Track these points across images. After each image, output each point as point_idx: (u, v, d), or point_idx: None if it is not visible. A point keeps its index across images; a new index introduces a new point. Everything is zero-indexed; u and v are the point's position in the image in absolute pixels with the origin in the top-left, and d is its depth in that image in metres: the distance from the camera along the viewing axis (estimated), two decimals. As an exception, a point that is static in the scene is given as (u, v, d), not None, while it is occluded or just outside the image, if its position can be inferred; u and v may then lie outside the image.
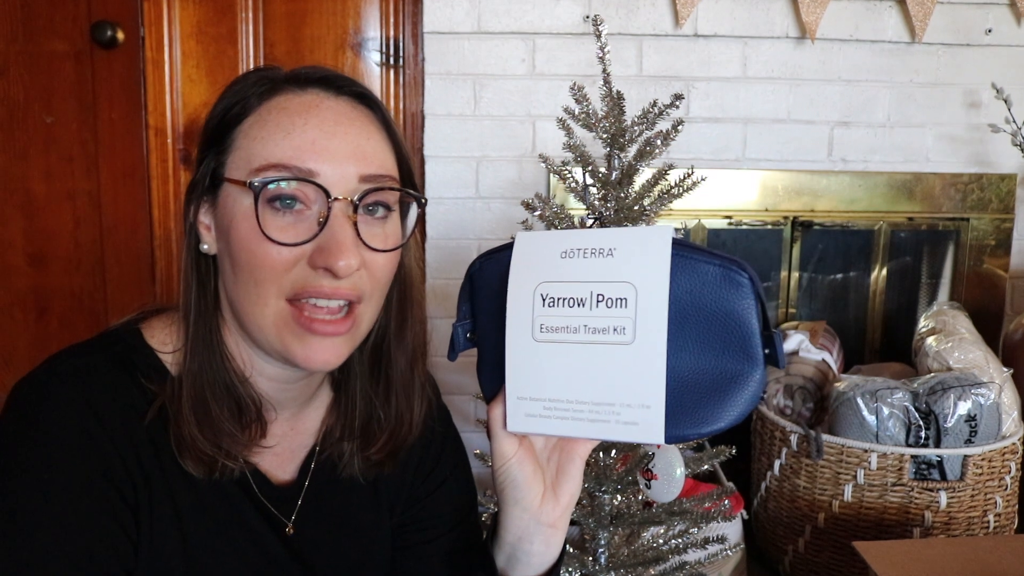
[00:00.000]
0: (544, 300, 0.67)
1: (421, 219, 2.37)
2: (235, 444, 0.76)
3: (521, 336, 0.68)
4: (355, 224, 0.72)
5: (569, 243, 0.68)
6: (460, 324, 0.76)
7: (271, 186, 0.70)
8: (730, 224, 2.22)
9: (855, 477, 1.75)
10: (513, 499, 0.74)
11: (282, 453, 0.84)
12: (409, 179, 0.80)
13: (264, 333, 0.74)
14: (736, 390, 0.63)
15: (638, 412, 0.64)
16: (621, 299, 0.64)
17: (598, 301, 0.65)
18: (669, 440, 0.64)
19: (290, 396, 0.83)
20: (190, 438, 0.74)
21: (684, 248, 0.64)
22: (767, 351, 0.63)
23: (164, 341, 0.79)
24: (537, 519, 0.75)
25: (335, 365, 0.75)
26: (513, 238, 0.72)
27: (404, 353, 0.83)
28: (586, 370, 0.66)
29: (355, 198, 0.72)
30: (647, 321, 0.63)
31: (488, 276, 0.73)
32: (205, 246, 0.76)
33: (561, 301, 0.67)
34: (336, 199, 0.71)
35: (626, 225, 1.33)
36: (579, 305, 0.66)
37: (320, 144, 0.71)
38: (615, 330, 0.64)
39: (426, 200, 0.80)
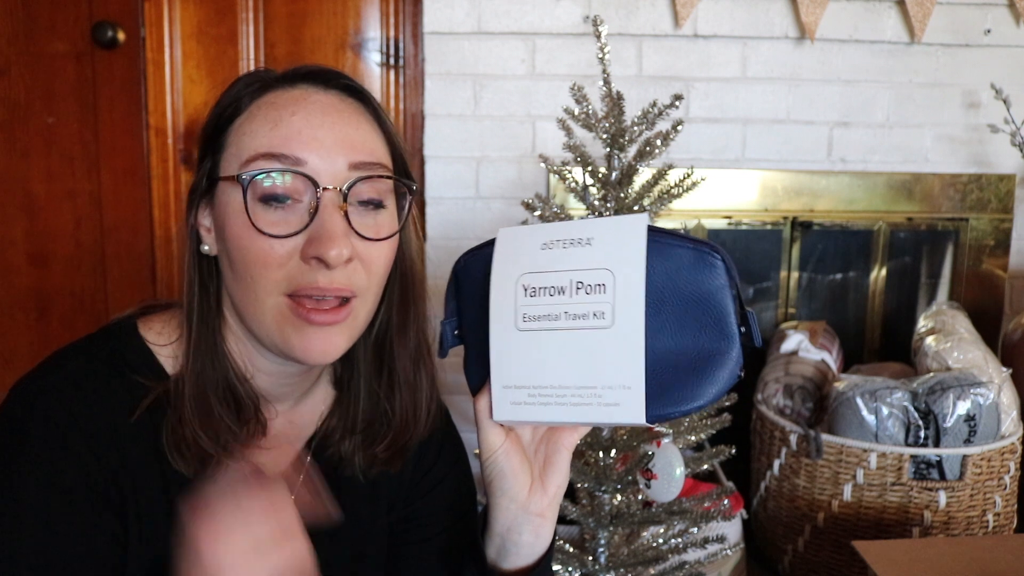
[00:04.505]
0: (526, 291, 0.69)
1: (421, 214, 2.35)
2: (235, 442, 0.77)
3: (505, 327, 0.70)
4: (346, 214, 0.72)
5: (549, 235, 0.69)
6: (447, 321, 0.78)
7: (260, 178, 0.71)
8: (730, 224, 2.23)
9: (854, 477, 1.75)
10: (501, 490, 0.75)
11: (278, 447, 0.84)
12: (404, 170, 0.80)
13: (264, 328, 0.74)
14: (714, 368, 0.65)
15: (619, 393, 0.65)
16: (600, 285, 0.66)
17: (577, 288, 0.67)
18: (651, 419, 0.65)
19: (288, 391, 0.83)
20: (192, 437, 0.74)
21: (659, 234, 0.66)
22: (743, 329, 0.65)
23: (160, 337, 0.79)
24: (525, 510, 0.75)
25: (334, 357, 0.75)
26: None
27: (407, 349, 0.84)
28: (568, 355, 0.67)
29: (344, 187, 0.72)
30: (625, 304, 0.65)
31: (473, 272, 0.75)
32: (206, 247, 0.77)
33: (542, 290, 0.68)
34: (325, 189, 0.71)
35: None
36: (560, 293, 0.68)
37: (307, 133, 0.72)
38: (595, 315, 0.66)
39: (417, 187, 0.81)
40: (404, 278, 0.82)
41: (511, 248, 0.71)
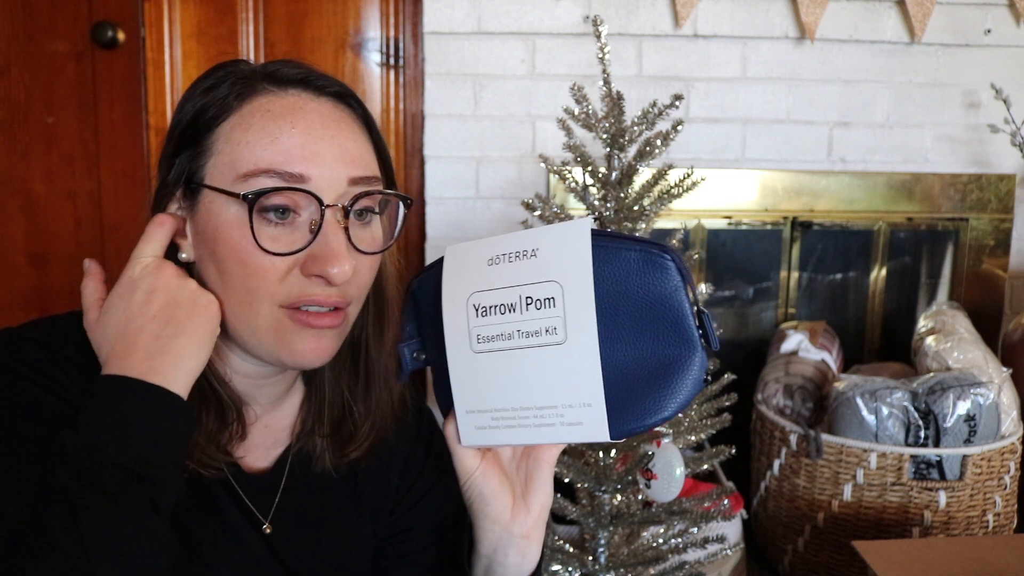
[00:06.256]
0: (477, 310, 0.67)
1: (420, 215, 2.35)
2: (216, 446, 0.76)
3: (460, 349, 0.68)
4: (346, 229, 0.71)
5: (494, 250, 0.67)
6: (406, 344, 0.76)
7: (263, 197, 0.69)
8: (730, 224, 2.23)
9: (854, 477, 1.75)
10: (483, 513, 0.74)
11: (256, 451, 0.83)
12: (390, 177, 0.79)
13: (257, 335, 0.73)
14: (677, 376, 0.62)
15: (580, 412, 0.63)
16: (549, 299, 0.63)
17: (527, 304, 0.64)
18: (615, 436, 0.63)
19: (264, 392, 0.82)
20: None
21: (605, 238, 0.63)
22: (700, 331, 0.62)
23: None
24: (509, 532, 0.74)
25: (326, 360, 0.74)
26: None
27: (384, 347, 0.83)
28: (525, 375, 0.65)
29: (346, 203, 0.71)
30: (576, 317, 0.62)
31: (426, 293, 0.73)
32: (184, 255, 0.74)
33: (493, 309, 0.66)
34: (329, 206, 0.70)
35: (626, 226, 1.33)
36: (510, 311, 0.65)
37: (309, 148, 0.70)
38: (547, 331, 0.63)
39: (411, 201, 0.80)
40: (379, 280, 0.81)
41: (459, 266, 0.69)
